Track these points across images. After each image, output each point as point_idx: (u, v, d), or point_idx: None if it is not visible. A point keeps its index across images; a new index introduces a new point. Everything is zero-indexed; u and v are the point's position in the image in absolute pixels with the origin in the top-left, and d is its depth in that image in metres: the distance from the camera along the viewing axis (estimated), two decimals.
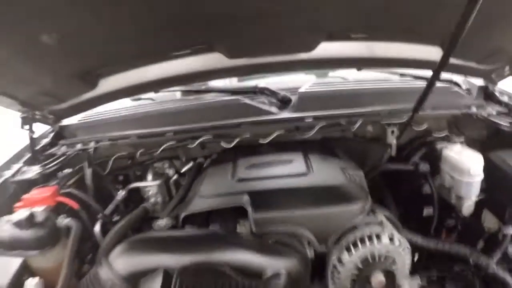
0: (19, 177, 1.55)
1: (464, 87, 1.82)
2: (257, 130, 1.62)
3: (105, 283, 1.15)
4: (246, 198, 1.27)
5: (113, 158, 1.73)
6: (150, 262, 1.15)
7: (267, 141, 1.60)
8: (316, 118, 1.59)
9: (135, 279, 1.14)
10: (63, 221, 1.43)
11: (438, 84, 1.64)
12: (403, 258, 1.19)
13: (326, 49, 1.47)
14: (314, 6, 1.16)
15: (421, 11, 1.20)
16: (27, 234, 1.31)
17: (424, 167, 1.60)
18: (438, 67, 1.16)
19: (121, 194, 1.69)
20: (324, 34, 1.40)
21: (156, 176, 1.78)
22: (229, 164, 1.54)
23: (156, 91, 1.91)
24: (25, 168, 1.60)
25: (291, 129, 1.61)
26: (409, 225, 1.46)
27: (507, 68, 1.58)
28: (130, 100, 1.97)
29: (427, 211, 1.65)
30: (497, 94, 1.75)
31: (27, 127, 1.62)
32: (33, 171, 1.59)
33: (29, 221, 1.32)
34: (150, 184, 1.73)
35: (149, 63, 1.51)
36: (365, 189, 1.36)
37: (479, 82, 1.79)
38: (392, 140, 1.65)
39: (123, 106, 1.88)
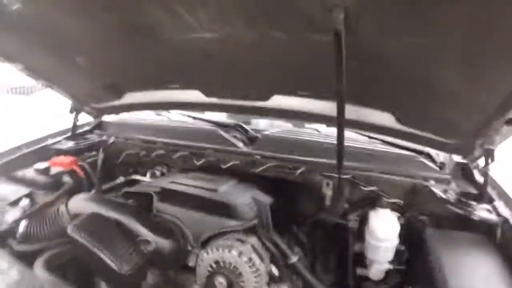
0: (57, 146, 2.22)
1: (438, 160, 1.85)
2: (219, 156, 1.99)
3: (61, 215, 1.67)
4: (157, 190, 1.68)
5: (124, 153, 2.28)
6: (87, 208, 1.63)
7: (225, 166, 1.96)
8: (264, 157, 1.89)
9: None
10: (66, 179, 2.01)
11: (402, 152, 1.82)
12: (250, 276, 1.39)
13: (278, 101, 1.81)
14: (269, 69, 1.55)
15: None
16: (40, 178, 1.93)
17: (353, 224, 1.75)
18: (337, 118, 1.38)
19: (120, 179, 2.25)
20: (275, 88, 1.76)
21: (152, 176, 2.28)
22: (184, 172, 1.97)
23: (161, 110, 2.45)
24: (63, 142, 2.27)
25: (247, 162, 1.94)
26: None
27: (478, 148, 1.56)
28: (154, 113, 2.55)
29: (360, 271, 1.74)
30: (476, 174, 1.74)
31: (74, 113, 2.30)
32: (68, 145, 2.24)
33: (44, 171, 1.95)
34: (143, 179, 2.24)
35: (152, 89, 2.05)
36: (255, 215, 1.58)
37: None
38: (327, 191, 1.80)
39: (145, 116, 2.47)
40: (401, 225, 1.64)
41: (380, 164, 1.77)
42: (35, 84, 10.23)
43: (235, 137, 2.06)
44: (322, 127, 2.20)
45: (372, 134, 1.90)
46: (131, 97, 2.18)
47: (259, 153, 1.92)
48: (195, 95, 1.95)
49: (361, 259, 1.76)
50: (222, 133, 2.06)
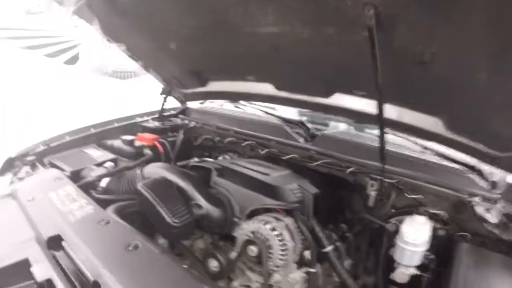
0: (144, 124, 2.58)
1: (490, 178, 1.77)
2: (280, 148, 2.14)
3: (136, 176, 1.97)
4: (217, 166, 1.89)
5: (202, 137, 2.56)
6: (157, 173, 1.89)
7: (284, 158, 2.10)
8: (319, 153, 1.99)
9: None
10: (147, 151, 2.35)
11: (452, 165, 1.81)
12: (277, 250, 1.51)
13: (339, 99, 1.92)
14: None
15: None
16: (125, 148, 2.30)
17: (392, 227, 1.77)
18: (377, 117, 1.47)
19: (194, 159, 2.53)
20: (335, 86, 1.88)
21: None
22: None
23: (239, 100, 2.68)
24: (150, 121, 2.63)
25: (304, 156, 2.06)
26: None
27: None
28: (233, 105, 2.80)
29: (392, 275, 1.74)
30: None
31: (163, 96, 2.65)
32: (153, 124, 2.59)
33: (129, 143, 2.31)
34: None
35: (232, 79, 2.31)
36: (298, 201, 1.66)
37: None
38: (371, 192, 1.85)
39: (224, 107, 2.74)
40: (438, 237, 1.63)
41: (428, 174, 1.77)
42: (133, 70, 11.48)
43: (297, 133, 2.20)
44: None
45: (419, 140, 1.91)
46: (213, 86, 2.47)
47: (316, 149, 2.03)
48: (267, 88, 2.17)
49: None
50: (286, 128, 2.22)
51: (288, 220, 1.63)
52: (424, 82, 1.42)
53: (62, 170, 2.01)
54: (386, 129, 2.06)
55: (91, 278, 1.17)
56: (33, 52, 13.87)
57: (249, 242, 1.58)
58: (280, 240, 1.53)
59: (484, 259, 1.45)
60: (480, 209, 1.62)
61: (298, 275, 1.64)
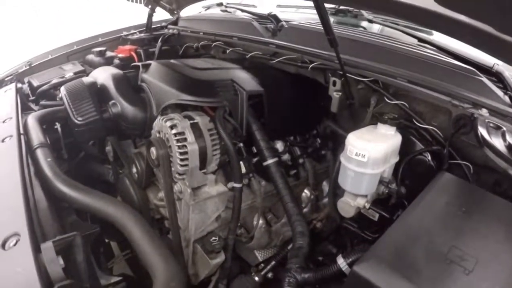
0: (129, 37, 2.39)
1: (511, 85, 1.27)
2: (244, 46, 1.78)
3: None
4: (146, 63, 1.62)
5: (184, 46, 2.27)
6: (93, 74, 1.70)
7: (247, 56, 1.72)
8: (280, 46, 1.59)
9: None
10: (116, 61, 2.16)
11: (457, 63, 1.32)
12: (176, 153, 1.22)
13: None
14: None
15: None
16: (96, 59, 2.15)
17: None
18: None
19: None
20: None
21: None
22: None
23: None
24: (136, 34, 2.42)
25: (268, 53, 1.67)
26: None
27: None
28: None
29: None
30: None
31: (149, 6, 2.40)
32: (138, 36, 2.39)
33: (100, 54, 2.15)
34: None
35: None
36: (227, 97, 1.36)
37: None
38: (332, 92, 1.38)
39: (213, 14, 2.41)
40: (423, 162, 1.23)
41: (421, 74, 1.27)
42: None
43: (266, 28, 1.81)
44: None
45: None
46: None
47: (276, 43, 1.62)
48: None
49: None
50: (254, 23, 1.84)
51: (201, 119, 1.30)
52: None
53: (31, 85, 1.99)
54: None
55: None
56: None
57: (150, 143, 1.31)
58: (178, 141, 1.23)
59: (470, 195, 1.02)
60: (483, 128, 1.10)
61: (214, 189, 1.34)
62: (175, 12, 2.48)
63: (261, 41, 1.71)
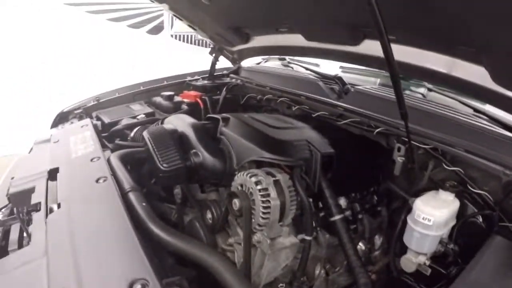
0: (193, 82, 2.60)
1: None
2: (311, 105, 1.93)
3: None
4: (225, 117, 1.78)
5: (247, 96, 2.46)
6: (171, 122, 1.88)
7: (314, 115, 1.87)
8: (348, 110, 1.74)
9: None
10: (184, 107, 2.36)
11: (504, 132, 1.44)
12: (259, 207, 1.33)
13: (367, 47, 1.63)
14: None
15: None
16: (164, 102, 2.35)
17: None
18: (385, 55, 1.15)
19: None
20: (362, 32, 1.59)
21: None
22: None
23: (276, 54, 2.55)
24: (200, 80, 2.63)
25: (334, 114, 1.81)
26: None
27: None
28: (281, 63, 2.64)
29: None
30: None
31: (213, 55, 2.62)
32: (202, 83, 2.60)
33: (168, 98, 2.36)
34: None
35: (271, 32, 2.15)
36: (302, 157, 1.48)
37: None
38: (396, 156, 1.52)
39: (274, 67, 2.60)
40: (472, 224, 1.33)
41: (475, 143, 1.39)
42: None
43: (331, 89, 1.97)
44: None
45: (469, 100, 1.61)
46: (256, 42, 2.38)
47: (343, 106, 1.78)
48: (299, 40, 1.99)
49: None
50: (320, 83, 2.00)
51: (282, 177, 1.44)
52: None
53: (102, 121, 2.17)
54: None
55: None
56: (117, 24, 13.82)
57: (233, 194, 1.45)
58: (262, 196, 1.36)
59: None
60: None
61: (288, 240, 1.46)
62: (237, 62, 2.69)
63: (329, 102, 1.85)
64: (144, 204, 1.28)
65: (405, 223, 1.47)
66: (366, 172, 1.74)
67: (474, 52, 1.31)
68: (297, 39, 1.99)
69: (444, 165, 1.44)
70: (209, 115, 1.95)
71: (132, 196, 1.31)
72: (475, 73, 1.36)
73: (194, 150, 1.66)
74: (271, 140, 1.55)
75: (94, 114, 2.28)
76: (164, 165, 1.54)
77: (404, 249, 1.46)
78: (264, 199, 1.36)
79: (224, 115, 1.81)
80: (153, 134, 1.67)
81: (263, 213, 1.36)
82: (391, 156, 1.63)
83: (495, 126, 1.50)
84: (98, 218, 1.17)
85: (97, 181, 1.35)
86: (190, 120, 1.86)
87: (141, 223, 1.18)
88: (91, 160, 1.53)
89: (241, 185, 1.46)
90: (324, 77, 2.10)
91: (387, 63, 1.16)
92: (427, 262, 1.31)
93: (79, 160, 1.55)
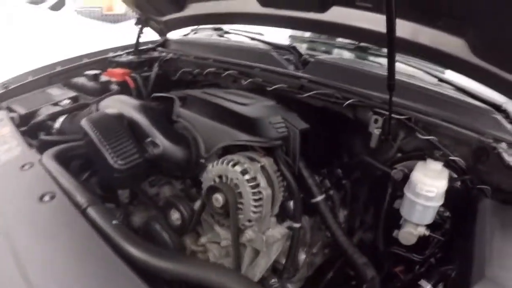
0: (116, 59, 2.22)
1: None
2: (265, 76, 1.74)
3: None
4: (181, 95, 1.57)
5: (181, 70, 2.16)
6: (111, 106, 1.55)
7: (270, 89, 1.68)
8: (311, 81, 1.60)
9: None
10: (114, 87, 2.00)
11: (475, 102, 1.44)
12: (249, 199, 1.17)
13: (336, 14, 1.50)
14: None
15: None
16: (89, 84, 1.96)
17: (398, 174, 1.41)
18: (387, 33, 1.06)
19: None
20: None
21: None
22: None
23: (221, 23, 2.33)
24: (124, 56, 2.26)
25: (294, 86, 1.65)
26: None
27: None
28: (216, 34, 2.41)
29: (396, 233, 1.40)
30: None
31: (139, 26, 2.26)
32: (128, 58, 2.23)
33: (94, 78, 1.97)
34: None
35: None
36: (281, 135, 1.33)
37: None
38: (374, 130, 1.45)
39: (207, 37, 2.35)
40: (455, 189, 1.30)
41: (446, 111, 1.38)
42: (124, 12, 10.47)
43: (287, 59, 1.80)
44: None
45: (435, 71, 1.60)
46: (193, 9, 2.08)
47: (307, 77, 1.63)
48: (251, 6, 1.76)
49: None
50: (274, 54, 1.82)
51: (266, 161, 1.27)
52: None
53: (17, 113, 1.73)
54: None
55: None
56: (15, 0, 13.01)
57: (213, 189, 1.23)
58: (252, 187, 1.18)
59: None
60: (507, 158, 1.23)
61: (278, 231, 1.31)
62: (164, 34, 2.37)
63: (291, 74, 1.69)
64: (114, 222, 0.99)
65: (393, 196, 1.43)
66: (332, 145, 1.66)
67: (458, 24, 1.27)
68: (247, 5, 1.77)
69: (418, 134, 1.41)
70: (155, 94, 1.67)
71: (92, 213, 1.00)
72: (456, 46, 1.32)
73: (149, 139, 1.40)
74: (245, 119, 1.35)
75: (4, 105, 1.80)
76: (119, 161, 1.27)
77: (391, 223, 1.42)
78: (254, 190, 1.18)
79: (178, 92, 1.55)
80: (98, 123, 1.36)
81: (255, 206, 1.19)
82: (358, 128, 1.57)
83: (461, 94, 1.53)
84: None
85: (41, 198, 1.02)
86: (134, 101, 1.56)
87: (118, 249, 0.90)
88: (22, 167, 1.18)
89: (220, 176, 1.26)
90: (276, 47, 1.93)
91: (388, 32, 1.07)
92: (427, 233, 1.28)
93: (4, 169, 1.17)
